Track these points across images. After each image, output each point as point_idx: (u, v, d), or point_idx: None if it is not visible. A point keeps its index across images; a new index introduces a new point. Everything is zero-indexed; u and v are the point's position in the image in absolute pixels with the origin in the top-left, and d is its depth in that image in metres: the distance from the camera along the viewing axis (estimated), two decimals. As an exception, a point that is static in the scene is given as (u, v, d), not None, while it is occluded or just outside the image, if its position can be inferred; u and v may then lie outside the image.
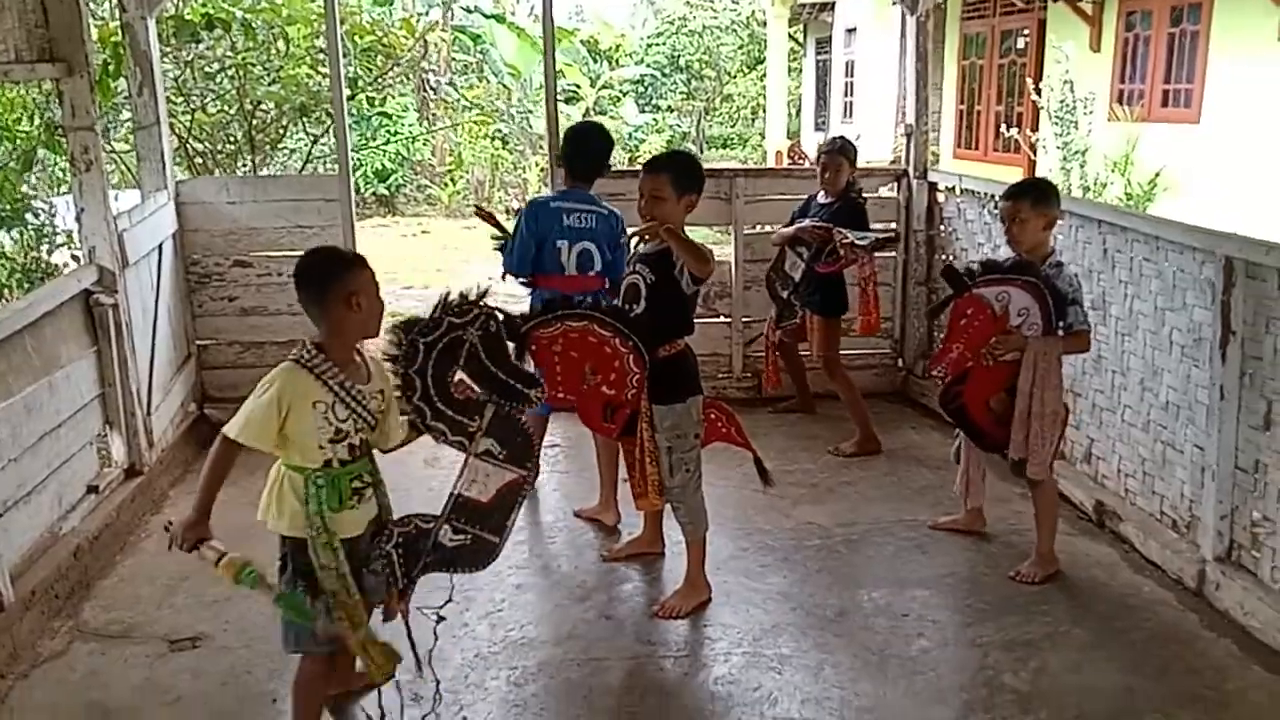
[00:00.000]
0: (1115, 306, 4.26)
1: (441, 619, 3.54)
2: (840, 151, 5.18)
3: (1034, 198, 3.72)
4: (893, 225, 5.84)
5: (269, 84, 7.33)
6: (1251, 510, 3.57)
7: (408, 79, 9.89)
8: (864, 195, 5.28)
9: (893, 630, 3.51)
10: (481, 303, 2.81)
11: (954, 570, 3.93)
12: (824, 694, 3.14)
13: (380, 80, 8.88)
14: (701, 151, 21.57)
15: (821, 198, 5.22)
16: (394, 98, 13.10)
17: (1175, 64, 10.16)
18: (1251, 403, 3.52)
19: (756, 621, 3.54)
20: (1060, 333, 3.67)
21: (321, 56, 6.69)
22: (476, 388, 2.82)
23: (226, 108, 7.40)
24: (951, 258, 5.73)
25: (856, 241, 4.92)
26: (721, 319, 5.96)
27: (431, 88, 10.19)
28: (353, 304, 2.63)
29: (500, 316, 2.88)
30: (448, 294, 2.82)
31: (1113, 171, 9.41)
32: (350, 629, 2.71)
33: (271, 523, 2.78)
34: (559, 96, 18.59)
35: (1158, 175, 9.33)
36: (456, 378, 2.81)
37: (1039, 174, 10.81)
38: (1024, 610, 3.62)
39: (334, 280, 2.64)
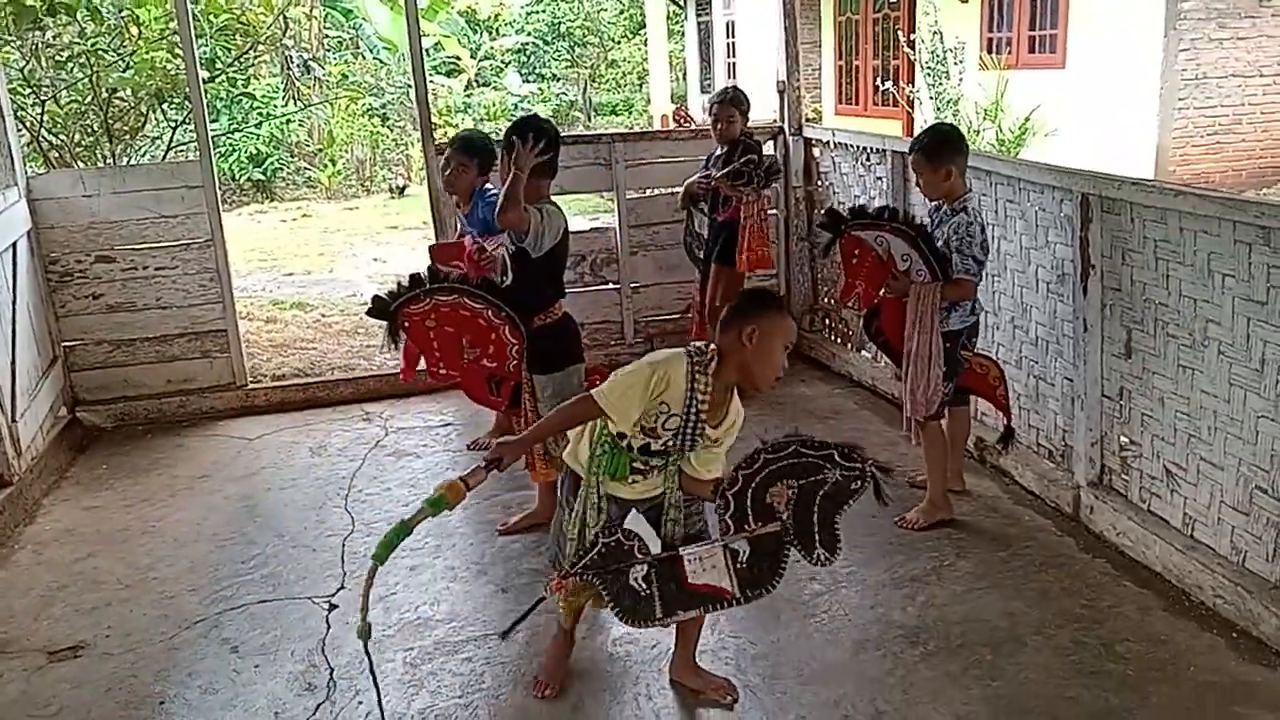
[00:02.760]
0: (984, 248, 4.36)
1: (335, 606, 3.53)
2: (732, 102, 5.17)
3: (926, 153, 3.74)
4: (772, 154, 5.85)
5: (123, 70, 6.99)
6: (1119, 435, 3.73)
7: (272, 58, 9.53)
8: (752, 137, 5.28)
9: (786, 577, 3.56)
10: (869, 464, 2.58)
11: (845, 514, 4.00)
12: (720, 645, 3.18)
13: (241, 60, 8.54)
14: (589, 119, 21.43)
15: (717, 150, 5.24)
16: (260, 79, 12.65)
17: (1040, 11, 10.46)
18: (1113, 332, 3.66)
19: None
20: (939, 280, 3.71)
21: (177, 39, 6.40)
22: (785, 511, 2.61)
23: (80, 97, 7.04)
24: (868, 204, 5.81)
25: (723, 175, 4.95)
26: (610, 286, 5.94)
27: (297, 66, 9.85)
28: (750, 338, 2.54)
29: (872, 484, 2.60)
30: (847, 449, 2.60)
31: (985, 119, 9.65)
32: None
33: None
34: (439, 69, 18.16)
35: (1028, 120, 9.61)
36: (783, 487, 2.60)
37: (916, 126, 11.04)
38: (911, 548, 3.72)
39: (744, 316, 2.57)
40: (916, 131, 10.78)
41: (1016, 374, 4.23)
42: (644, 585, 2.68)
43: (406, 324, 3.56)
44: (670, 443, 2.61)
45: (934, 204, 3.84)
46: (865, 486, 2.59)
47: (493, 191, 4.43)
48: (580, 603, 2.94)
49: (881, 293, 3.85)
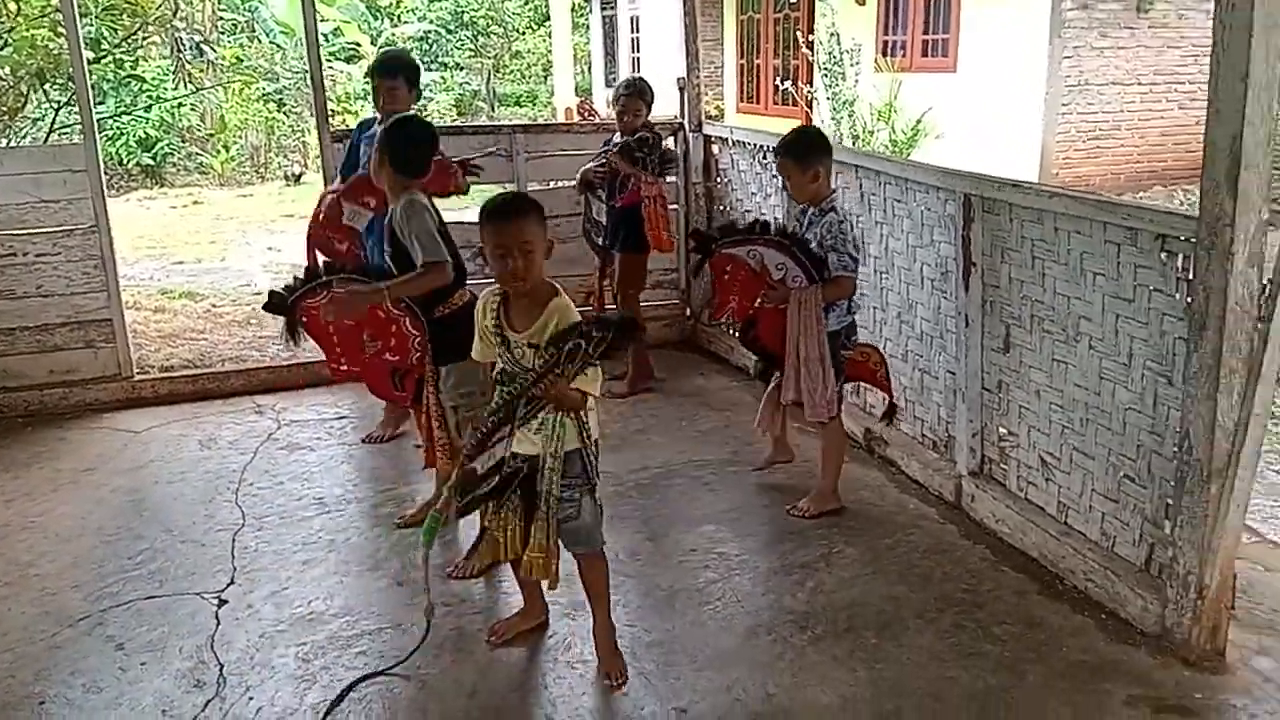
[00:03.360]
0: (873, 246, 4.50)
1: (224, 602, 3.47)
2: (639, 94, 5.22)
3: (794, 156, 3.82)
4: (669, 143, 5.92)
5: (0, 48, 6.68)
6: (998, 426, 3.90)
7: (162, 40, 9.21)
8: (658, 133, 5.35)
9: (680, 566, 3.64)
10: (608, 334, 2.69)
11: (738, 505, 4.10)
12: (616, 634, 3.22)
13: (129, 41, 8.23)
14: (493, 109, 21.27)
15: (616, 138, 5.28)
16: (150, 60, 12.22)
17: (933, 16, 10.78)
18: (993, 328, 3.82)
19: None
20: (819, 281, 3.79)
21: (59, 16, 6.15)
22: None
23: (-45, 75, 6.72)
24: (729, 208, 5.92)
25: (617, 151, 5.06)
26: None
27: (188, 48, 9.54)
28: (485, 256, 2.79)
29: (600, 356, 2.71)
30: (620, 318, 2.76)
31: (878, 120, 9.91)
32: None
33: None
34: (338, 56, 17.79)
35: (919, 122, 9.90)
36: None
37: (814, 125, 11.26)
38: (802, 536, 3.83)
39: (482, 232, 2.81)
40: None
41: (903, 368, 4.38)
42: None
43: (304, 318, 3.50)
44: (505, 359, 2.81)
45: (800, 208, 3.91)
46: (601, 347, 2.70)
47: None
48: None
49: (757, 303, 3.88)
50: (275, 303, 3.49)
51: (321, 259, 4.17)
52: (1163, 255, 3.07)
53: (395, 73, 4.51)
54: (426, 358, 3.60)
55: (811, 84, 11.45)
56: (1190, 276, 2.92)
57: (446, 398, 3.58)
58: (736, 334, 4.08)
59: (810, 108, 11.48)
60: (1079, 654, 3.09)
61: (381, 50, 4.69)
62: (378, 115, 4.56)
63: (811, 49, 10.96)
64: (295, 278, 3.52)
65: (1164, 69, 10.04)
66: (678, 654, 3.13)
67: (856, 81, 10.21)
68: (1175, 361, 3.05)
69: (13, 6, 6.53)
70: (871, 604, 3.37)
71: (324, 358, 3.74)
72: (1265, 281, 2.80)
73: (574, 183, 5.38)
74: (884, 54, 11.13)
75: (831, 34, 10.35)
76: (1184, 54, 10.12)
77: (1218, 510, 2.92)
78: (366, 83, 18.81)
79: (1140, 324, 3.18)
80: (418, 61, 4.86)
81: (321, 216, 4.45)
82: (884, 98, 10.08)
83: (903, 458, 4.36)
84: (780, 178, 3.90)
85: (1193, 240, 2.88)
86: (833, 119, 10.06)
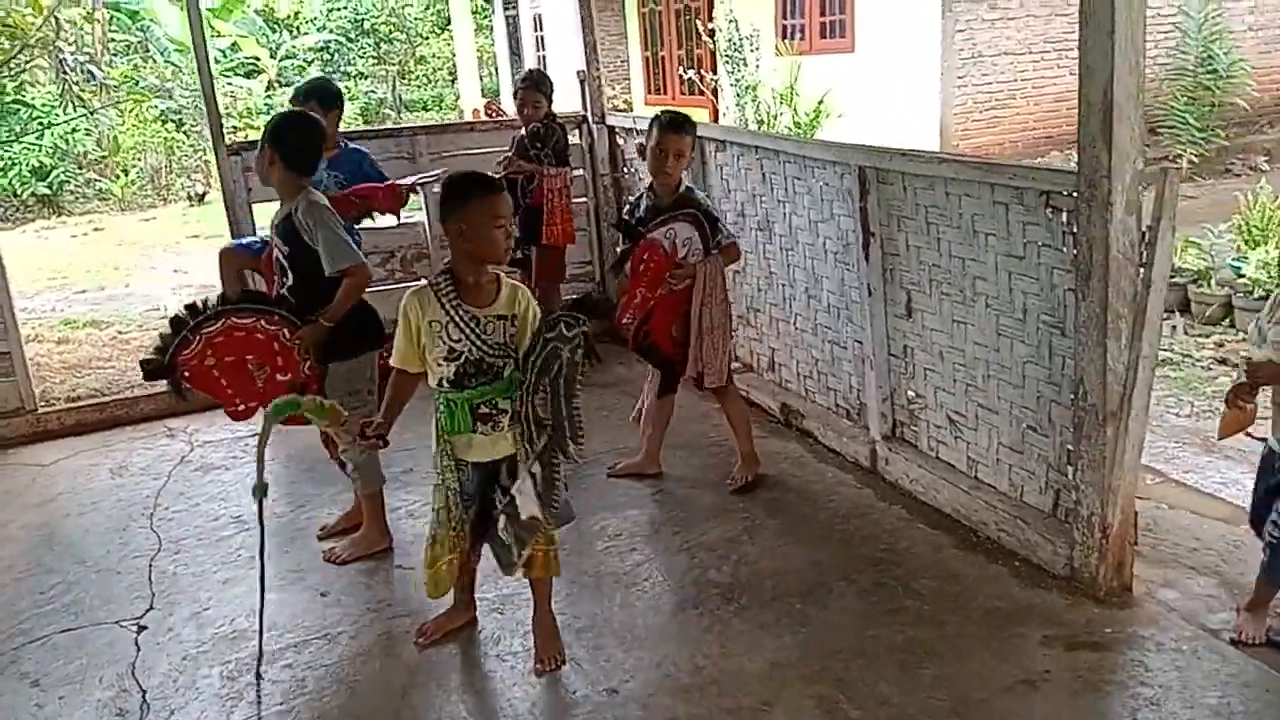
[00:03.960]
0: (778, 225, 4.57)
1: (144, 628, 3.39)
2: (536, 86, 5.24)
3: (691, 132, 3.86)
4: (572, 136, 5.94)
5: None
6: (906, 390, 3.99)
7: (49, 62, 8.93)
8: (560, 124, 5.36)
9: (607, 550, 3.66)
10: (584, 325, 2.70)
11: (662, 488, 4.14)
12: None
13: (9, 65, 7.97)
14: (399, 115, 21.02)
15: (522, 133, 5.28)
16: (37, 85, 11.83)
17: (828, -2, 10.95)
18: (894, 295, 3.91)
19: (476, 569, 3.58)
20: (715, 251, 3.89)
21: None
22: (549, 416, 2.71)
23: None
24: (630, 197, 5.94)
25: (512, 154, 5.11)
26: (422, 281, 5.87)
27: (74, 70, 9.26)
28: (461, 234, 2.75)
29: (585, 345, 2.72)
30: (585, 297, 2.75)
31: (781, 104, 10.03)
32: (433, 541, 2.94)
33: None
34: (237, 71, 17.41)
35: (821, 104, 10.04)
36: (545, 387, 2.71)
37: (721, 113, 11.36)
38: (725, 512, 3.88)
39: (447, 210, 2.79)
40: (722, 120, 11.12)
41: (813, 341, 4.46)
42: (507, 534, 2.84)
43: (187, 373, 3.35)
44: (466, 345, 2.77)
45: (656, 191, 3.90)
46: (583, 351, 2.73)
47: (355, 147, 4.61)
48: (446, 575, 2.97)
49: (660, 292, 3.88)
50: (152, 368, 3.30)
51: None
52: (1048, 212, 3.17)
53: (307, 99, 4.43)
54: (316, 363, 3.51)
55: (715, 72, 11.55)
56: (1074, 230, 3.02)
57: (332, 395, 3.45)
58: (629, 339, 4.04)
59: (715, 96, 11.58)
60: (995, 601, 3.19)
61: (311, 80, 4.65)
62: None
63: (713, 37, 11.05)
64: (161, 334, 3.36)
65: (1053, 37, 10.33)
66: (607, 636, 3.15)
67: (758, 66, 10.33)
68: (1066, 313, 3.15)
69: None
70: (795, 571, 3.43)
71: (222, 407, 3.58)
72: (1144, 229, 2.91)
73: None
74: (784, 38, 11.26)
75: (730, 21, 10.46)
76: (1071, 21, 10.37)
77: (1115, 452, 3.03)
78: (269, 96, 18.53)
79: (1032, 280, 3.28)
80: (333, 86, 4.76)
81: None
82: (785, 81, 10.22)
83: (819, 428, 4.44)
84: (662, 156, 3.81)
85: (1074, 195, 2.98)
86: (737, 105, 10.17)
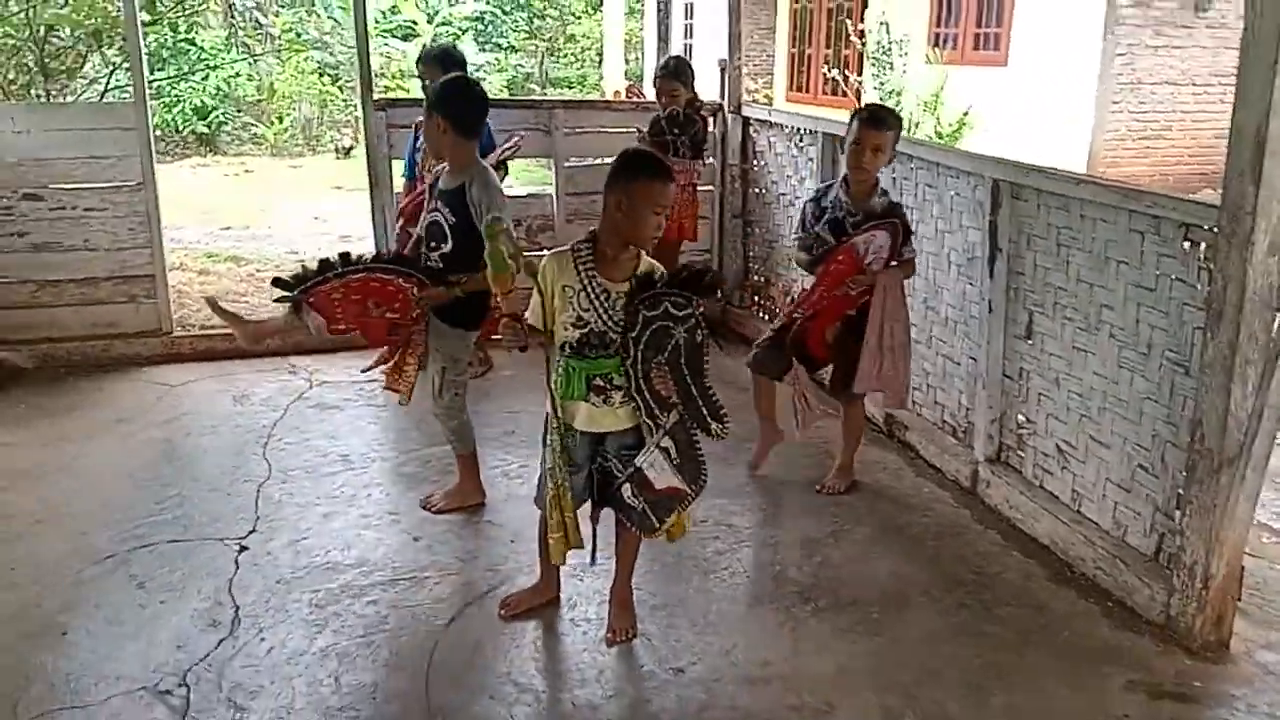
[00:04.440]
0: (904, 230, 4.49)
1: (245, 548, 3.57)
2: (674, 74, 5.26)
3: (894, 127, 3.74)
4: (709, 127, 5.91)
5: (60, 7, 6.86)
6: (1016, 414, 3.89)
7: (216, 7, 9.39)
8: (702, 113, 5.37)
9: (689, 535, 3.67)
10: (699, 305, 2.72)
11: (751, 481, 4.14)
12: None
13: (184, 5, 8.40)
14: (544, 91, 21.34)
15: (661, 114, 5.33)
16: (207, 29, 12.42)
17: (986, 9, 10.66)
18: (1016, 314, 3.81)
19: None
20: (894, 263, 3.76)
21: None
22: (672, 394, 2.77)
23: (15, 32, 6.90)
24: (764, 190, 5.93)
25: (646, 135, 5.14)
26: (545, 252, 5.98)
27: (240, 14, 9.69)
28: (619, 207, 2.71)
29: (705, 328, 2.75)
30: (682, 272, 2.75)
31: (924, 111, 9.84)
32: (551, 504, 2.91)
33: None
34: (395, 33, 17.98)
35: (965, 114, 9.81)
36: (658, 370, 2.76)
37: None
38: (813, 512, 3.86)
39: (614, 180, 2.75)
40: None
41: (926, 353, 4.38)
42: (635, 500, 2.88)
43: (310, 298, 3.51)
44: (593, 316, 2.76)
45: (850, 187, 3.81)
46: (704, 333, 2.74)
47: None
48: (563, 542, 2.95)
49: (833, 294, 3.79)
50: (283, 290, 3.43)
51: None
52: (1185, 244, 3.05)
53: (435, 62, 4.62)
54: (425, 316, 3.63)
55: (860, 74, 11.39)
56: (1210, 266, 2.90)
57: (438, 354, 3.61)
58: (791, 332, 3.96)
59: (858, 97, 11.43)
60: (1081, 638, 3.10)
61: (434, 45, 4.87)
62: None
63: (862, 38, 10.90)
64: (305, 267, 3.51)
65: (1219, 70, 9.85)
66: (680, 618, 3.17)
67: (905, 72, 10.15)
68: (1193, 351, 3.03)
69: (70, -34, 6.72)
70: (876, 579, 3.40)
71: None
72: (1287, 272, 2.77)
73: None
74: (935, 46, 11.03)
75: (881, 24, 10.29)
76: (1242, 55, 9.91)
77: (1227, 501, 2.90)
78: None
79: (1161, 313, 3.17)
80: (457, 53, 4.95)
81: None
82: (931, 89, 10.01)
83: (921, 442, 4.37)
84: (859, 151, 3.71)
85: (1214, 229, 2.86)
86: (879, 109, 10.03)
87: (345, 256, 3.52)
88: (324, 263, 3.47)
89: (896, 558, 3.55)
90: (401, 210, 4.73)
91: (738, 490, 4.05)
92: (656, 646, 3.03)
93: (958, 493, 4.04)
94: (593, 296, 2.76)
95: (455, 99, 3.60)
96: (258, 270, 7.53)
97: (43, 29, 6.93)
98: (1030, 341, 3.76)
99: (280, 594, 3.28)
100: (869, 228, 3.71)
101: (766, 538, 3.69)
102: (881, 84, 10.19)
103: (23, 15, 6.91)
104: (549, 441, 2.93)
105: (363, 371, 4.77)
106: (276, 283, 3.49)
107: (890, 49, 10.18)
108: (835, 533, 3.71)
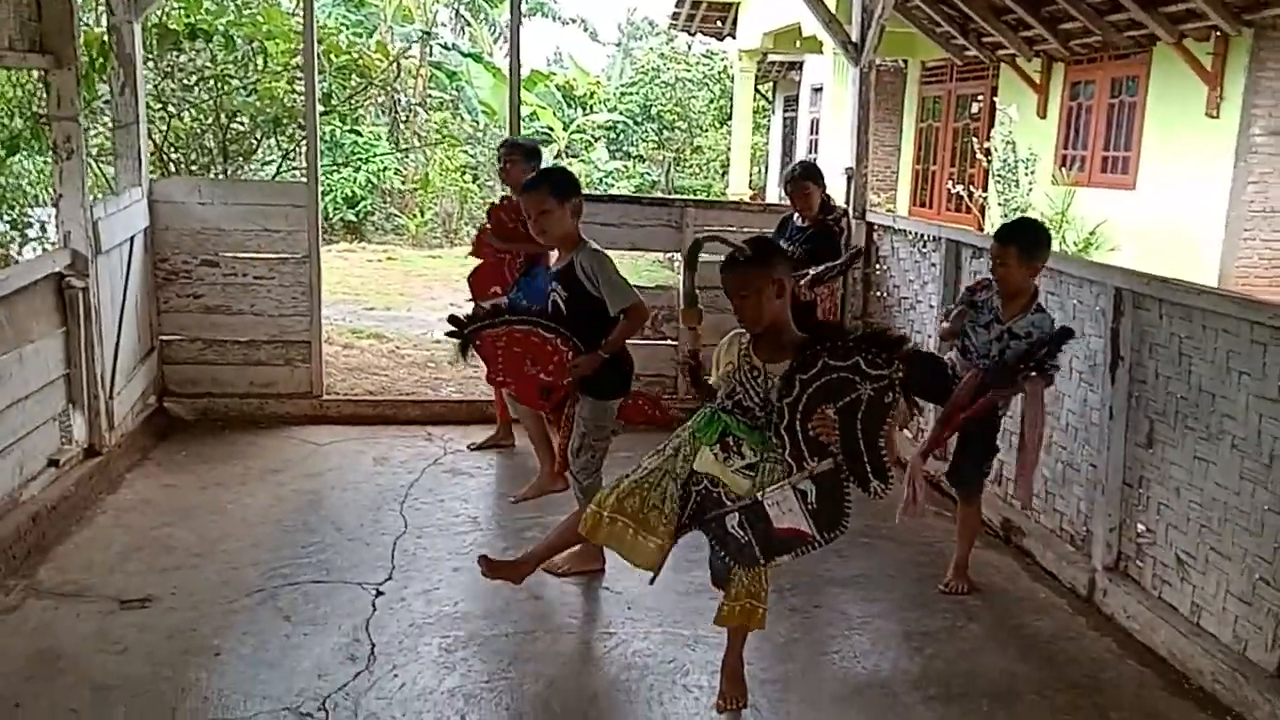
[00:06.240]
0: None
1: (381, 593, 3.81)
2: (804, 176, 5.41)
3: (1020, 247, 3.83)
4: (856, 245, 6.10)
5: (245, 96, 7.59)
6: (1136, 523, 3.89)
7: (381, 107, 10.17)
8: (840, 220, 5.57)
9: (804, 619, 3.77)
10: (897, 367, 2.77)
11: (866, 572, 4.20)
12: (733, 668, 3.39)
13: (353, 99, 9.15)
14: (668, 198, 22.01)
15: (798, 220, 5.50)
16: (366, 123, 13.37)
17: (1115, 133, 10.72)
18: (1137, 422, 3.85)
19: (677, 606, 3.78)
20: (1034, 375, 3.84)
21: (297, 73, 6.94)
22: (833, 442, 2.83)
23: (202, 117, 7.65)
24: (886, 294, 6.08)
25: (815, 274, 5.27)
26: (668, 342, 6.25)
27: (404, 109, 10.47)
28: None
29: (899, 391, 2.79)
30: (881, 330, 2.88)
31: (1050, 229, 9.89)
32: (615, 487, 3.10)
33: None
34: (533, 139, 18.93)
35: (1093, 234, 9.81)
36: (824, 414, 2.84)
37: (985, 230, 11.28)
38: (926, 607, 3.90)
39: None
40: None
41: (1045, 459, 4.41)
42: (741, 531, 2.93)
43: (478, 341, 3.86)
44: (742, 392, 2.95)
45: (993, 300, 3.91)
46: (898, 397, 2.78)
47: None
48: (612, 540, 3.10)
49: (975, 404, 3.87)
50: (456, 327, 3.85)
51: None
52: (1311, 358, 3.09)
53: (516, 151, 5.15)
54: (576, 383, 3.90)
55: (985, 190, 11.52)
56: (1338, 380, 2.93)
57: (580, 425, 3.86)
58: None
59: (982, 212, 11.54)
60: (1197, 749, 3.06)
61: (523, 137, 5.27)
62: None
63: (988, 156, 11.07)
64: (478, 310, 3.88)
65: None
66: (790, 694, 3.26)
67: (1030, 190, 10.24)
68: (1319, 465, 3.04)
69: (260, 60, 7.44)
70: (989, 675, 3.42)
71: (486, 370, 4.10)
72: None
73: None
74: (1061, 166, 11.10)
75: (1008, 143, 10.44)
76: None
77: (1354, 616, 2.87)
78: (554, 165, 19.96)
79: (1286, 426, 3.19)
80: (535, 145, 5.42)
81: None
82: (1057, 208, 10.07)
83: (1038, 548, 4.37)
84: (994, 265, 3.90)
85: (1342, 343, 2.91)
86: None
87: (514, 307, 3.85)
88: (495, 308, 3.82)
89: (1009, 657, 3.56)
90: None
91: (849, 580, 4.12)
92: (765, 717, 3.12)
93: (1074, 600, 4.03)
94: (745, 372, 2.97)
95: (568, 185, 3.90)
96: (397, 348, 7.98)
97: (227, 116, 7.65)
98: (1151, 450, 3.79)
99: (413, 636, 3.50)
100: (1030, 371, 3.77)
101: (879, 627, 3.74)
102: (1006, 201, 10.29)
103: (211, 103, 7.66)
104: (666, 448, 3.09)
105: (470, 449, 5.12)
106: (451, 320, 3.84)
107: (1016, 167, 10.30)
108: (947, 628, 3.74)
